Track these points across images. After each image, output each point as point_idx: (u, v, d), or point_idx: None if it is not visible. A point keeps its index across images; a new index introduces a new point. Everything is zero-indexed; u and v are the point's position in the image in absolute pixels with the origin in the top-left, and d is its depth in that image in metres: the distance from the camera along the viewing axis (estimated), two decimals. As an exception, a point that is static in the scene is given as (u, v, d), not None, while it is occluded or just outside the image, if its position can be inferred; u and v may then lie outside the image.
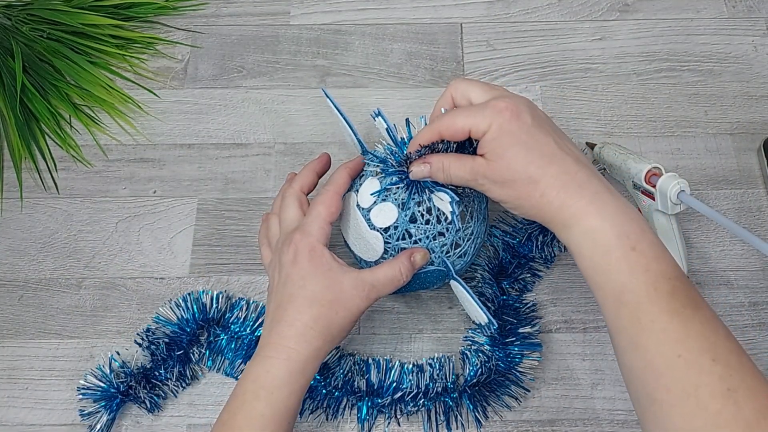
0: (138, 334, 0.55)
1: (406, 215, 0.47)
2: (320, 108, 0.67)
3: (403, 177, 0.47)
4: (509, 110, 0.42)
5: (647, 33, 0.70)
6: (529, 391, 0.54)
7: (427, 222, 0.47)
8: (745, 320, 0.57)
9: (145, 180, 0.64)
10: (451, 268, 0.49)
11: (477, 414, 0.52)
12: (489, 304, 0.55)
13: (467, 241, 0.49)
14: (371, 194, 0.48)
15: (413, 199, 0.47)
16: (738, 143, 0.64)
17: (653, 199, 0.54)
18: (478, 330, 0.54)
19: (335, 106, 0.52)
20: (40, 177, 0.64)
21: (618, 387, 0.54)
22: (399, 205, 0.47)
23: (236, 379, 0.55)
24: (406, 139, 0.48)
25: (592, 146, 0.62)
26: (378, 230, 0.48)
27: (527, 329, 0.54)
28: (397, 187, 0.47)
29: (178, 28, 0.71)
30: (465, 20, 0.71)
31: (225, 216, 0.62)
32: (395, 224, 0.47)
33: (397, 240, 0.48)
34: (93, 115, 0.66)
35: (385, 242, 0.48)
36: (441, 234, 0.48)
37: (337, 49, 0.70)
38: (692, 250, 0.59)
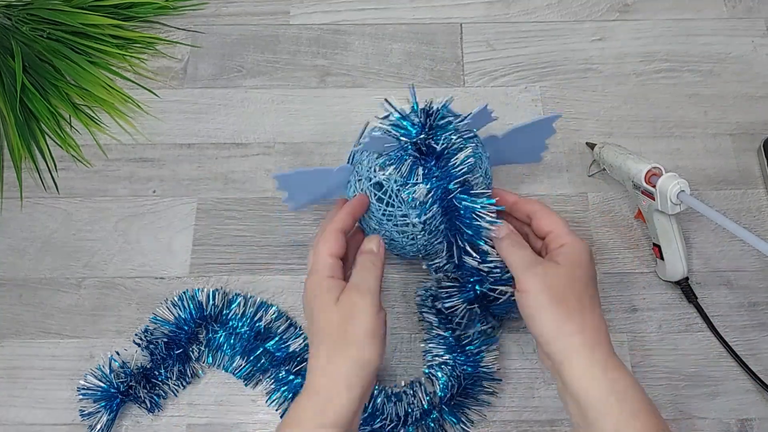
0: (136, 335, 0.55)
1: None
2: (320, 108, 0.67)
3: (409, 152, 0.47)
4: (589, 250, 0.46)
5: (647, 33, 0.70)
6: (500, 380, 0.54)
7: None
8: (745, 320, 0.57)
9: (145, 180, 0.64)
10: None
11: (462, 425, 0.52)
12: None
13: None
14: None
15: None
16: (738, 143, 0.64)
17: (653, 199, 0.54)
18: (432, 341, 0.54)
19: (302, 173, 0.53)
20: (40, 177, 0.64)
21: (618, 387, 0.54)
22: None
23: (235, 376, 0.55)
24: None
25: (592, 146, 0.62)
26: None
27: (479, 327, 0.53)
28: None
29: (178, 28, 0.71)
30: (465, 20, 0.71)
31: (225, 216, 0.62)
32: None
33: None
34: (93, 114, 0.66)
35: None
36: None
37: (336, 49, 0.70)
38: (692, 250, 0.59)
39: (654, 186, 0.53)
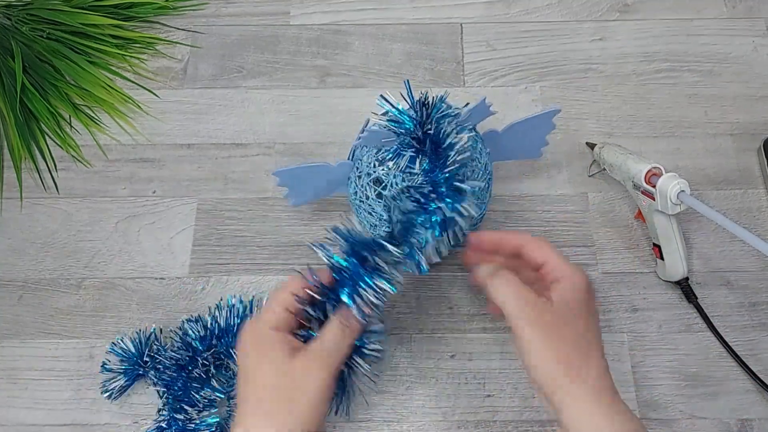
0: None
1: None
2: (320, 108, 0.66)
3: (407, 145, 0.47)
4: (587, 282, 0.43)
5: (647, 33, 0.70)
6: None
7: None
8: (745, 320, 0.57)
9: (145, 180, 0.63)
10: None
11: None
12: None
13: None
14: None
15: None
16: (738, 143, 0.64)
17: (653, 199, 0.54)
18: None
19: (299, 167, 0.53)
20: (40, 177, 0.64)
21: (618, 387, 0.54)
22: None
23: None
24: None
25: (592, 146, 0.62)
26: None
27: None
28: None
29: (178, 28, 0.71)
30: (465, 20, 0.71)
31: (225, 216, 0.62)
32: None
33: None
34: (93, 115, 0.66)
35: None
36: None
37: (336, 49, 0.69)
38: (692, 250, 0.59)
39: (654, 186, 0.53)
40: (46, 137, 0.65)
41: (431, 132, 0.46)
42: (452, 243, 0.46)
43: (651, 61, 0.68)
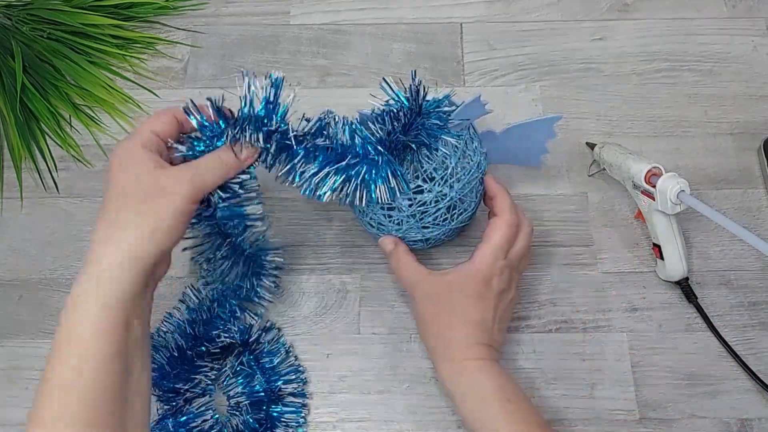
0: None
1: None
2: (320, 108, 0.66)
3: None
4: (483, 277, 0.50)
5: (647, 33, 0.70)
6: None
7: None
8: (745, 320, 0.57)
9: (145, 180, 0.63)
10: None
11: None
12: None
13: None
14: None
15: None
16: (738, 143, 0.64)
17: (653, 199, 0.54)
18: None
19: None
20: (40, 177, 0.64)
21: (618, 387, 0.54)
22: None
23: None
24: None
25: (592, 146, 0.62)
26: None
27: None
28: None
29: (178, 28, 0.71)
30: (465, 20, 0.71)
31: (225, 216, 0.62)
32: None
33: None
34: (93, 115, 0.66)
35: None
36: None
37: (337, 49, 0.70)
38: (692, 250, 0.59)
39: (654, 186, 0.53)
40: (47, 137, 0.65)
41: (412, 120, 0.47)
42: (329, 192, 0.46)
43: (651, 60, 0.68)
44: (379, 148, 0.46)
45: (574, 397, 0.54)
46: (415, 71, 0.48)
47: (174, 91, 0.68)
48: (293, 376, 0.54)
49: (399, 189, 0.47)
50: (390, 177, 0.46)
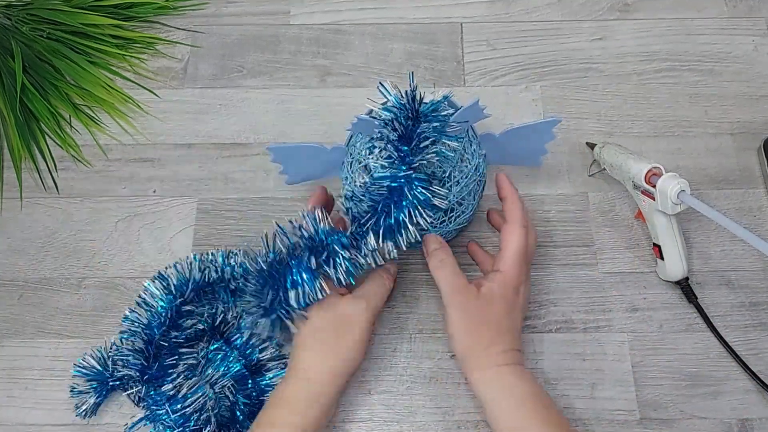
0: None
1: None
2: (320, 108, 0.66)
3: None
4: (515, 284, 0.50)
5: (647, 33, 0.70)
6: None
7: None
8: (745, 320, 0.57)
9: (145, 180, 0.63)
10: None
11: None
12: None
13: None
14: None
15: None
16: (738, 143, 0.64)
17: (653, 199, 0.54)
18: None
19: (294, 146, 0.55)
20: (40, 177, 0.64)
21: (618, 387, 0.54)
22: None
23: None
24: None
25: (592, 146, 0.62)
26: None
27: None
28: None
29: (178, 28, 0.71)
30: (465, 20, 0.71)
31: (225, 216, 0.62)
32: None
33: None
34: (93, 115, 0.66)
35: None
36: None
37: (337, 49, 0.69)
38: (692, 250, 0.59)
39: (654, 186, 0.53)
40: (46, 137, 0.65)
41: (411, 128, 0.47)
42: (405, 245, 0.48)
43: (651, 60, 0.68)
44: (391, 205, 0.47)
45: (575, 397, 0.54)
46: (412, 73, 0.49)
47: (174, 91, 0.68)
48: (266, 343, 0.55)
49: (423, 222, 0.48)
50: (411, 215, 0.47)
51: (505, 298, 0.49)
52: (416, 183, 0.47)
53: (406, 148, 0.47)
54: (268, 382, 0.54)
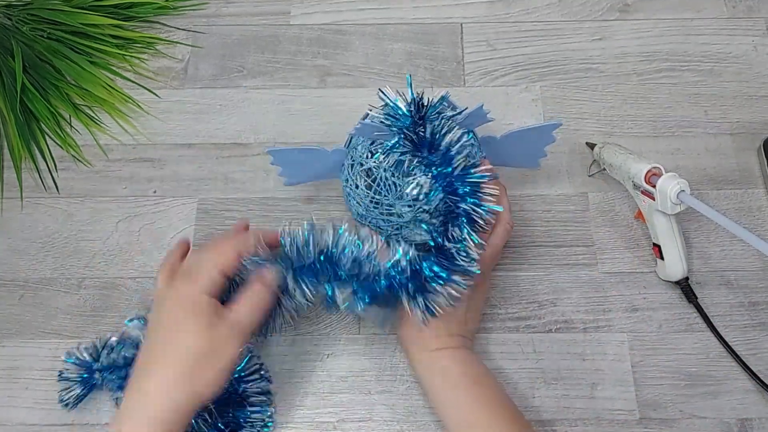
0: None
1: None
2: (320, 108, 0.67)
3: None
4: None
5: (647, 33, 0.70)
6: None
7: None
8: (745, 320, 0.57)
9: (146, 180, 0.64)
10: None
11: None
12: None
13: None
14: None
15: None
16: (738, 143, 0.64)
17: (653, 199, 0.54)
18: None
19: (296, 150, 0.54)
20: (40, 177, 0.64)
21: (618, 387, 0.54)
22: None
23: None
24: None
25: (592, 146, 0.62)
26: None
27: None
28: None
29: (179, 28, 0.71)
30: (465, 20, 0.71)
31: (225, 216, 0.62)
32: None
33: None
34: (93, 115, 0.66)
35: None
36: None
37: (337, 49, 0.70)
38: (692, 250, 0.59)
39: (654, 186, 0.53)
40: (47, 137, 0.65)
41: (424, 134, 0.46)
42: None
43: (651, 60, 0.68)
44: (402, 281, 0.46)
45: (575, 397, 0.54)
46: (410, 76, 0.49)
47: (174, 91, 0.68)
48: (255, 376, 0.53)
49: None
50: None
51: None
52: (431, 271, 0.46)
53: (430, 156, 0.46)
54: (247, 417, 0.52)
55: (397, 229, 0.51)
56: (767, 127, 0.64)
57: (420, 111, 0.46)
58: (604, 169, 0.61)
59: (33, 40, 0.67)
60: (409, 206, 0.49)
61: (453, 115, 0.48)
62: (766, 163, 0.62)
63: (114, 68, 0.68)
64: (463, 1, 0.72)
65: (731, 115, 0.65)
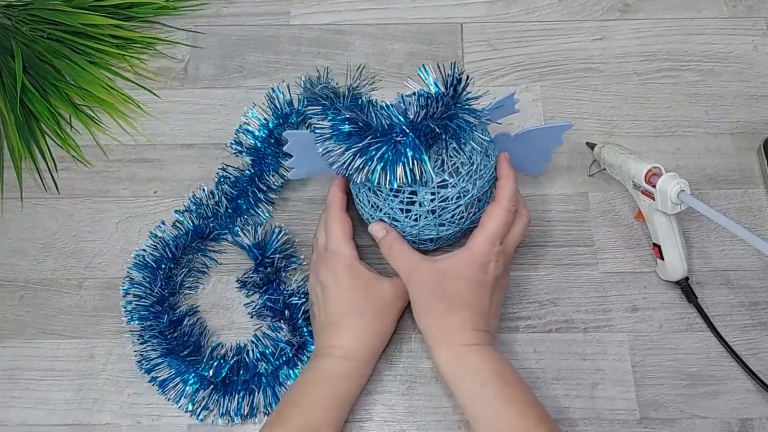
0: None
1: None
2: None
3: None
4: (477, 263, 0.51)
5: (647, 33, 0.70)
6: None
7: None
8: (745, 320, 0.57)
9: (146, 180, 0.64)
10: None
11: None
12: None
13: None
14: None
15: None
16: (738, 143, 0.64)
17: (653, 198, 0.54)
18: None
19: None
20: (40, 177, 0.64)
21: (618, 387, 0.54)
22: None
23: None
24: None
25: (592, 146, 0.62)
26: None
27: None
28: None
29: (178, 28, 0.71)
30: (465, 20, 0.71)
31: (225, 216, 0.62)
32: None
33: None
34: (93, 115, 0.66)
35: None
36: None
37: (337, 49, 0.70)
38: (692, 250, 0.59)
39: (654, 186, 0.53)
40: (47, 137, 0.65)
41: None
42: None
43: (651, 60, 0.68)
44: (405, 129, 0.46)
45: (575, 397, 0.54)
46: (455, 63, 0.49)
47: (175, 91, 0.68)
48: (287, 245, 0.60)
49: (420, 175, 0.47)
50: (411, 160, 0.46)
51: (470, 274, 0.50)
52: (407, 148, 0.46)
53: (432, 110, 0.47)
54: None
55: (415, 219, 0.51)
56: (767, 127, 0.64)
57: (457, 86, 0.47)
58: (604, 169, 0.61)
59: (33, 40, 0.67)
60: (432, 193, 0.49)
61: (481, 103, 0.48)
62: (766, 163, 0.62)
63: (114, 68, 0.68)
64: (463, 1, 0.72)
65: (731, 115, 0.65)
